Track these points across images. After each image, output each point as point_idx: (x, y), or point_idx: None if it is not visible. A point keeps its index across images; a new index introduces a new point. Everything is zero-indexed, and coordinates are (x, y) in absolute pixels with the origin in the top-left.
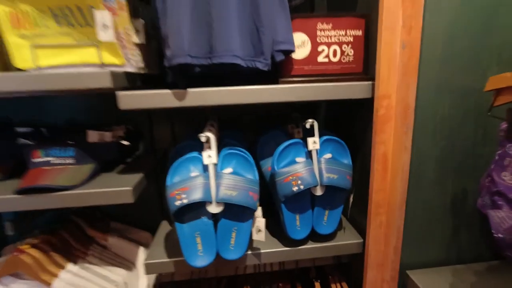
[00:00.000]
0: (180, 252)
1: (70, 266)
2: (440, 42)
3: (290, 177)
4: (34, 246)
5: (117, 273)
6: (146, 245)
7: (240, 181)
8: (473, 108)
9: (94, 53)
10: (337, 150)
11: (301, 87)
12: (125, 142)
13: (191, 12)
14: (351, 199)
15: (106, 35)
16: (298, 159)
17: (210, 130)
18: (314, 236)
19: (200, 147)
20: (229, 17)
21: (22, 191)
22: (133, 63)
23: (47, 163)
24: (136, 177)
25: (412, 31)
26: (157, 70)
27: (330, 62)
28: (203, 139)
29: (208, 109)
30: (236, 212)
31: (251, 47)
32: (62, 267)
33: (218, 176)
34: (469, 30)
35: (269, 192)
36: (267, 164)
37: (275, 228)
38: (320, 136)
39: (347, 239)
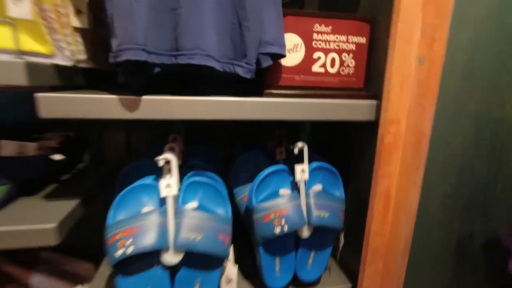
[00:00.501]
0: None
1: None
2: (461, 60)
3: (272, 215)
4: None
5: None
6: (86, 281)
7: (207, 219)
8: (489, 139)
9: (7, 34)
10: (328, 179)
11: (290, 102)
12: (57, 157)
13: None
14: (341, 238)
15: (19, 8)
16: (282, 191)
17: (171, 149)
18: (295, 280)
19: (159, 169)
20: (202, 4)
21: None
22: (68, 53)
23: None
24: (66, 207)
25: (435, 44)
26: (108, 66)
27: (326, 73)
28: (160, 163)
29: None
30: (200, 258)
31: (230, 47)
32: None
33: (179, 212)
34: (491, 49)
35: (242, 223)
36: (242, 193)
37: (249, 268)
38: (309, 161)
39: (334, 284)
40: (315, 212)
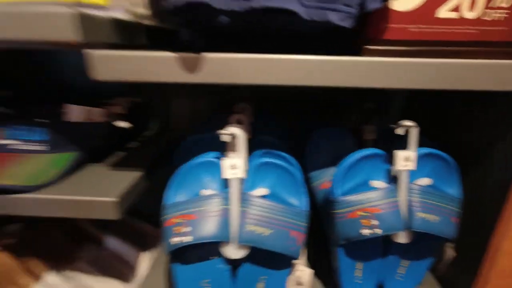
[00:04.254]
0: None
1: (49, 277)
2: None
3: (359, 213)
4: (5, 247)
5: (109, 286)
6: (149, 243)
7: (279, 211)
8: None
9: None
10: (440, 172)
11: (404, 63)
12: (122, 124)
13: None
14: (449, 250)
15: None
16: (374, 183)
17: (238, 121)
18: None
19: (222, 144)
20: None
21: None
22: (127, 5)
23: (11, 148)
24: (129, 179)
25: None
26: (173, 24)
27: (461, 19)
28: (225, 138)
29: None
30: (266, 255)
31: None
32: (37, 277)
33: (244, 200)
34: None
35: (317, 213)
36: (320, 178)
37: (323, 268)
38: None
39: None
40: (419, 214)
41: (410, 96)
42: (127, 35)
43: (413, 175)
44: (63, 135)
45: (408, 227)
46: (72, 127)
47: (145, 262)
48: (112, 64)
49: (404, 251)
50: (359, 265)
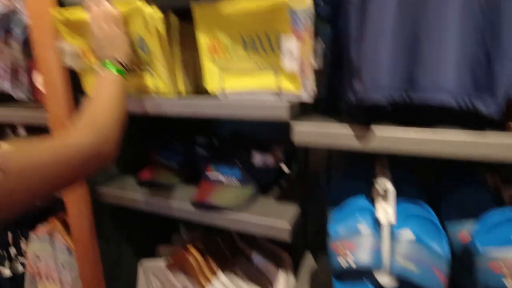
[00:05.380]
0: None
1: (221, 275)
2: None
3: (504, 269)
4: (197, 248)
5: None
6: (284, 266)
7: (423, 251)
8: None
9: (273, 79)
10: None
11: None
12: (284, 168)
13: (394, 38)
14: None
15: (290, 64)
16: None
17: (383, 174)
18: None
19: (365, 190)
20: (445, 39)
21: (195, 204)
22: (309, 90)
23: (217, 179)
24: (293, 211)
25: None
26: (324, 94)
27: None
28: (380, 190)
29: None
30: None
31: (469, 78)
32: (215, 273)
33: (393, 238)
34: None
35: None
36: (455, 229)
37: None
38: None
39: None
40: None
41: None
42: (305, 110)
43: None
44: (248, 174)
45: None
46: (254, 169)
47: (280, 280)
48: (307, 134)
49: None
50: None
